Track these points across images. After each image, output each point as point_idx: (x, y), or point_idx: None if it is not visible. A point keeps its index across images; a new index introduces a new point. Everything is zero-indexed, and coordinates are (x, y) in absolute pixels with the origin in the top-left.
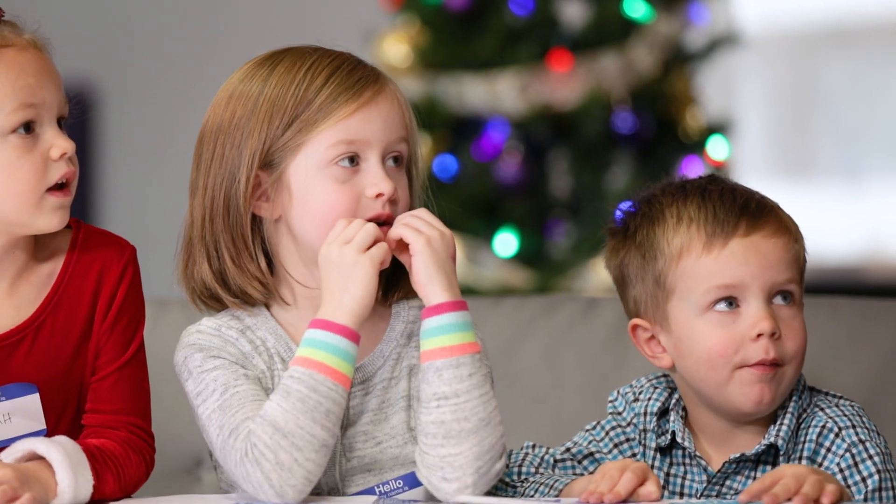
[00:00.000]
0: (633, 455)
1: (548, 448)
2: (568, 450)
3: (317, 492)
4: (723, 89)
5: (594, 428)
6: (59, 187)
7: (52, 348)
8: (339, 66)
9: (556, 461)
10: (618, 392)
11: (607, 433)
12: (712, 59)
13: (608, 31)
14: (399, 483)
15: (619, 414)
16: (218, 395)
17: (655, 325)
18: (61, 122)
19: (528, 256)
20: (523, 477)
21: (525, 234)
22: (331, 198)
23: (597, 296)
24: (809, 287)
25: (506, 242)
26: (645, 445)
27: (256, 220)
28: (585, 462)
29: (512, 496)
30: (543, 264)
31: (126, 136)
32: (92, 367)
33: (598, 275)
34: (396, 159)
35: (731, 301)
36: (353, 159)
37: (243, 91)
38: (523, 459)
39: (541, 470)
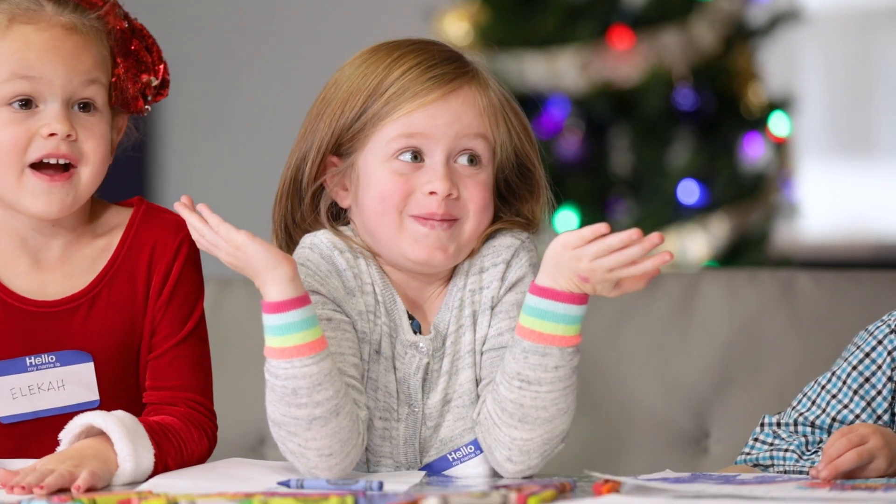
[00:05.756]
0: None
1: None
2: (838, 413)
3: (397, 467)
4: (785, 65)
5: (829, 382)
6: (47, 169)
7: (108, 320)
8: (421, 62)
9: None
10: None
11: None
12: (774, 35)
13: (669, 7)
14: (470, 449)
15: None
16: None
17: None
18: (88, 107)
19: None
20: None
21: (586, 211)
22: (385, 188)
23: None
24: (870, 264)
25: (566, 220)
26: None
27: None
28: (864, 415)
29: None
30: None
31: (186, 117)
32: (149, 344)
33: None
34: (472, 159)
35: None
36: (417, 155)
37: (337, 77)
38: (802, 422)
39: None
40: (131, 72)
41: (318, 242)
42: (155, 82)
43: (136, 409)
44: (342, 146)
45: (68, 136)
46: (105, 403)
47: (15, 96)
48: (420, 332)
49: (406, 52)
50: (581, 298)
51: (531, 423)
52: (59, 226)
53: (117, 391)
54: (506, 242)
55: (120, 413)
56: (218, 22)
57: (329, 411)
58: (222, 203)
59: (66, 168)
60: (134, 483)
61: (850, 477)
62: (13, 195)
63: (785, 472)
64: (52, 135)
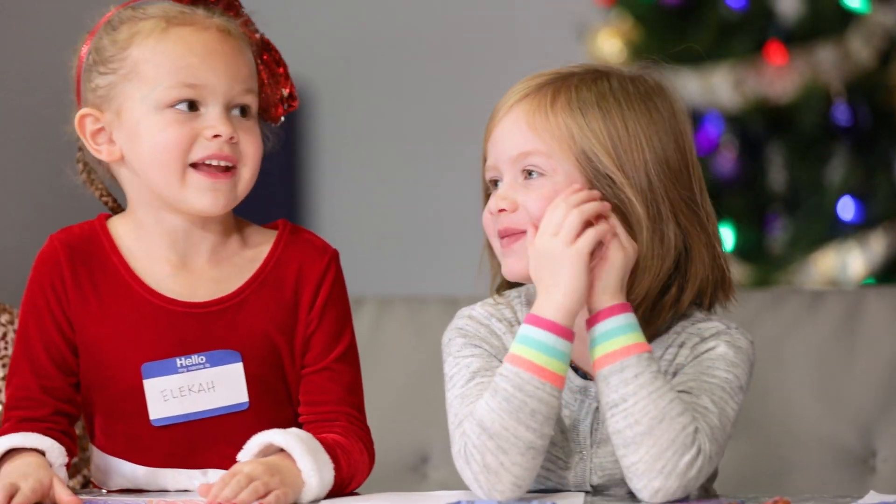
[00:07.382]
0: None
1: None
2: None
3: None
4: None
5: None
6: (207, 168)
7: (255, 324)
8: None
9: None
10: None
11: None
12: None
13: (824, 22)
14: None
15: None
16: (463, 383)
17: None
18: (245, 111)
19: (746, 251)
20: None
21: (742, 228)
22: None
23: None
24: None
25: (723, 237)
26: None
27: None
28: None
29: None
30: (762, 259)
31: (339, 140)
32: (301, 355)
33: (817, 269)
34: (530, 172)
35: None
36: (496, 183)
37: None
38: None
39: None
40: (270, 81)
41: (474, 315)
42: (286, 93)
43: (283, 414)
44: None
45: (231, 138)
46: (254, 406)
47: (179, 101)
48: (589, 378)
49: None
50: (625, 306)
51: (631, 443)
52: (208, 229)
53: (264, 394)
54: (710, 327)
55: (295, 430)
56: (371, 40)
57: (544, 447)
58: (371, 218)
59: (226, 169)
60: (318, 499)
61: None
62: (177, 193)
63: None
64: (216, 136)
